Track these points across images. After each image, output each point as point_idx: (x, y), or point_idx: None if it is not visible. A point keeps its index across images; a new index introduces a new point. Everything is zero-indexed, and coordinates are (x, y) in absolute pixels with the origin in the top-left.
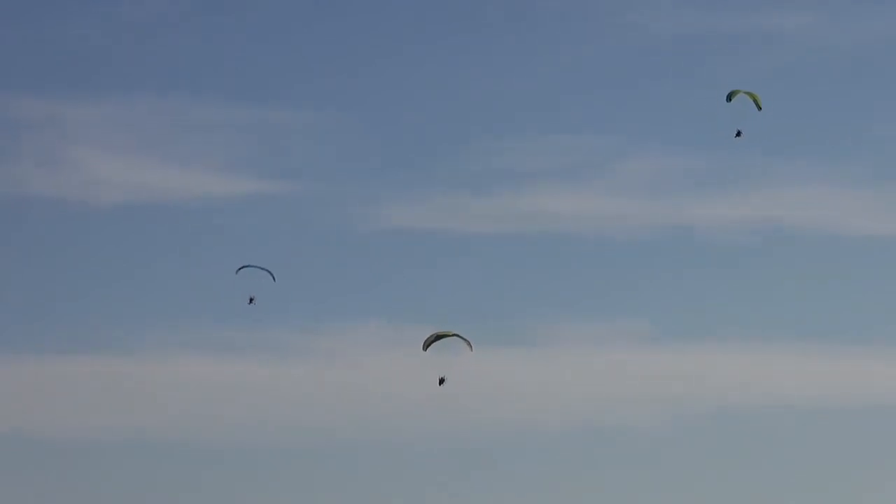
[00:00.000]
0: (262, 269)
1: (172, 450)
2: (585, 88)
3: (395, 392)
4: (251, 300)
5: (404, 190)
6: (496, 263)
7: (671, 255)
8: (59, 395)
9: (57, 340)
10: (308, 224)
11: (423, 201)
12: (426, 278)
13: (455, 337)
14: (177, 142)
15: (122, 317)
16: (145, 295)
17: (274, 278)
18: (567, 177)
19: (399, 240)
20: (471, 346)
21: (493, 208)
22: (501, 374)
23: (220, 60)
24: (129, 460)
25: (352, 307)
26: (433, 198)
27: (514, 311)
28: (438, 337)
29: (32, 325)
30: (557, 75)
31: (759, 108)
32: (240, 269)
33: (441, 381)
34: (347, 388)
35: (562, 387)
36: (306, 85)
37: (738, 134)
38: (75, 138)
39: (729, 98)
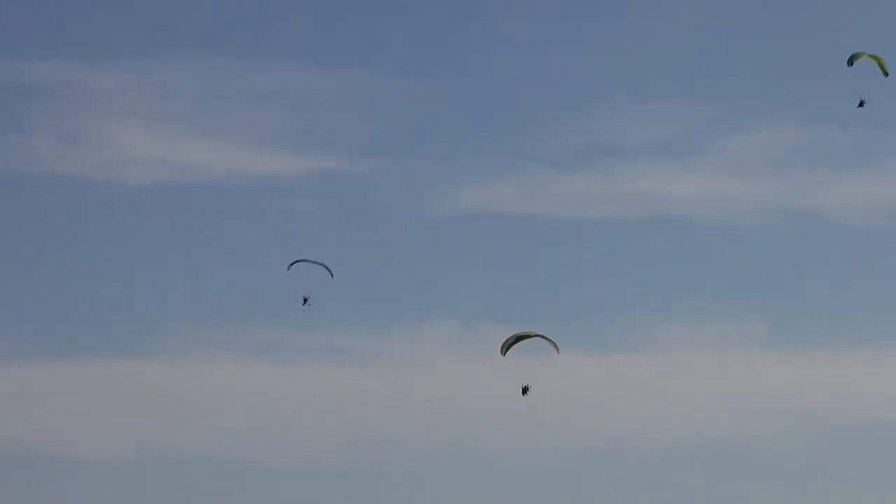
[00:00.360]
0: (318, 263)
1: (209, 467)
2: (686, 53)
3: (469, 403)
4: (305, 300)
5: (481, 168)
6: (587, 253)
7: (792, 244)
8: (67, 405)
9: (70, 341)
10: (370, 208)
11: (503, 181)
12: (506, 271)
13: (539, 338)
14: (217, 113)
15: (151, 317)
16: (179, 291)
17: (332, 274)
18: (669, 152)
19: (475, 226)
20: (557, 349)
21: (583, 189)
22: (593, 382)
23: (266, 18)
24: (164, 482)
25: (420, 305)
26: (514, 177)
27: (608, 309)
28: (519, 338)
29: (40, 324)
30: (656, 37)
31: (886, 74)
32: (292, 263)
33: (524, 391)
34: (415, 397)
35: (665, 397)
36: (368, 48)
37: (861, 104)
38: (100, 108)
39: (850, 62)
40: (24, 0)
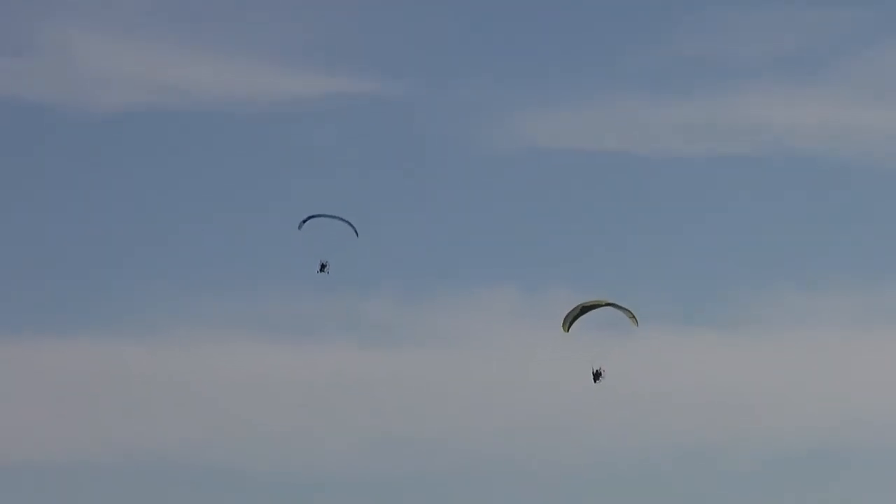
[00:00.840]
0: (339, 219)
1: (198, 475)
2: None
3: (530, 393)
4: (323, 267)
5: (547, 92)
6: (685, 202)
7: None
8: (12, 393)
9: (20, 313)
10: (411, 143)
11: (575, 108)
12: (579, 223)
13: (611, 308)
14: (212, 20)
15: (125, 283)
16: (163, 250)
17: (357, 232)
18: (792, 71)
19: (540, 165)
20: (636, 321)
21: (683, 119)
22: (692, 363)
23: None
24: (139, 493)
25: (470, 267)
26: (590, 104)
27: (711, 274)
28: (585, 309)
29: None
30: None
31: None
32: (305, 220)
33: (596, 376)
34: (466, 381)
35: (783, 388)
36: None
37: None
38: (57, 11)
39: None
40: None
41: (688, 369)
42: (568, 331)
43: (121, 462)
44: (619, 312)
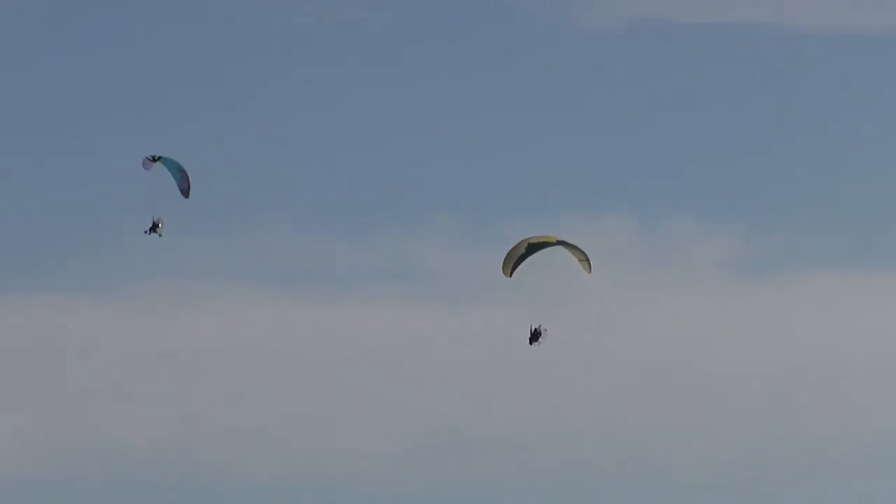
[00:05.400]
0: (174, 165)
1: (172, 482)
2: None
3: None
4: (154, 227)
5: None
6: (849, 91)
7: None
8: None
9: None
10: (482, 17)
11: None
12: (712, 123)
13: (560, 247)
14: None
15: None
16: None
17: (186, 193)
18: None
19: (654, 39)
20: (588, 266)
21: None
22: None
23: None
24: None
25: (567, 186)
26: None
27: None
28: (532, 248)
29: None
30: None
31: None
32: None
33: (534, 337)
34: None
35: None
36: None
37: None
38: None
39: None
40: None
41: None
42: (511, 275)
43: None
44: (569, 255)
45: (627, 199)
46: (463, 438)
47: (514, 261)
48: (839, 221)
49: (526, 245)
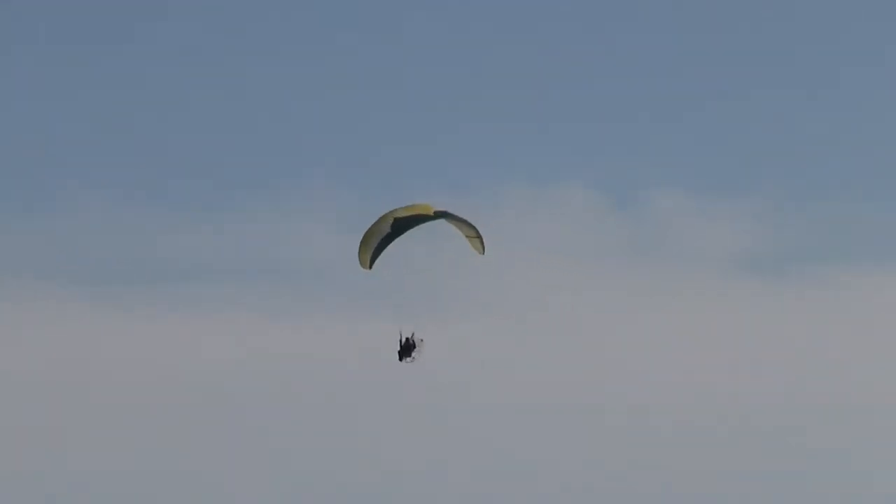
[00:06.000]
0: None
1: None
2: None
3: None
4: None
5: None
6: None
7: None
8: None
9: None
10: None
11: None
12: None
13: (442, 221)
14: None
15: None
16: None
17: None
18: None
19: None
20: (482, 246)
21: None
22: None
23: None
24: None
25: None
26: None
27: None
28: (399, 227)
29: None
30: None
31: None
32: None
33: (405, 350)
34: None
35: None
36: None
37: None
38: None
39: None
40: None
41: None
42: (370, 267)
43: None
44: (455, 231)
45: (593, 168)
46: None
47: (375, 245)
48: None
49: (391, 221)
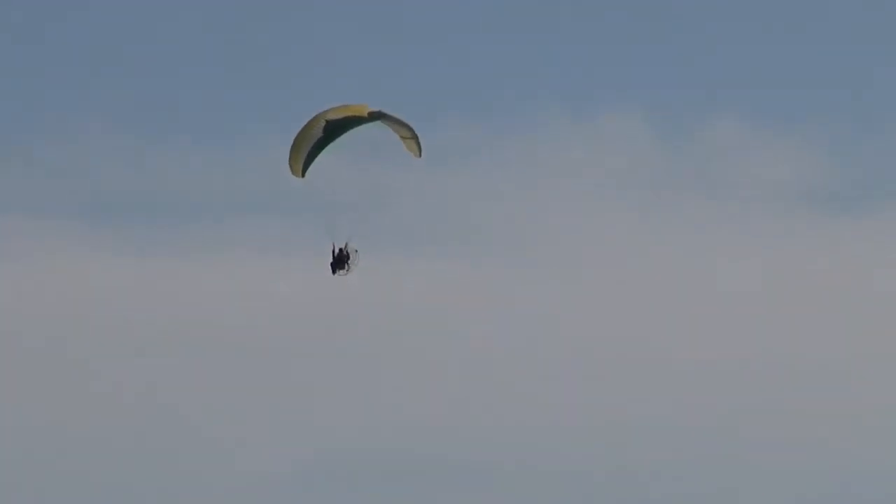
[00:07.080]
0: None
1: None
2: None
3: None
4: None
5: None
6: None
7: None
8: None
9: None
10: None
11: None
12: None
13: (378, 123)
14: None
15: None
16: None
17: None
18: None
19: None
20: (418, 149)
21: None
22: None
23: None
24: None
25: None
26: None
27: None
28: (334, 130)
29: None
30: None
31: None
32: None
33: (338, 262)
34: None
35: None
36: None
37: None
38: None
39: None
40: None
41: None
42: (303, 175)
43: None
44: (389, 133)
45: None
46: None
47: (307, 150)
48: None
49: (323, 124)
